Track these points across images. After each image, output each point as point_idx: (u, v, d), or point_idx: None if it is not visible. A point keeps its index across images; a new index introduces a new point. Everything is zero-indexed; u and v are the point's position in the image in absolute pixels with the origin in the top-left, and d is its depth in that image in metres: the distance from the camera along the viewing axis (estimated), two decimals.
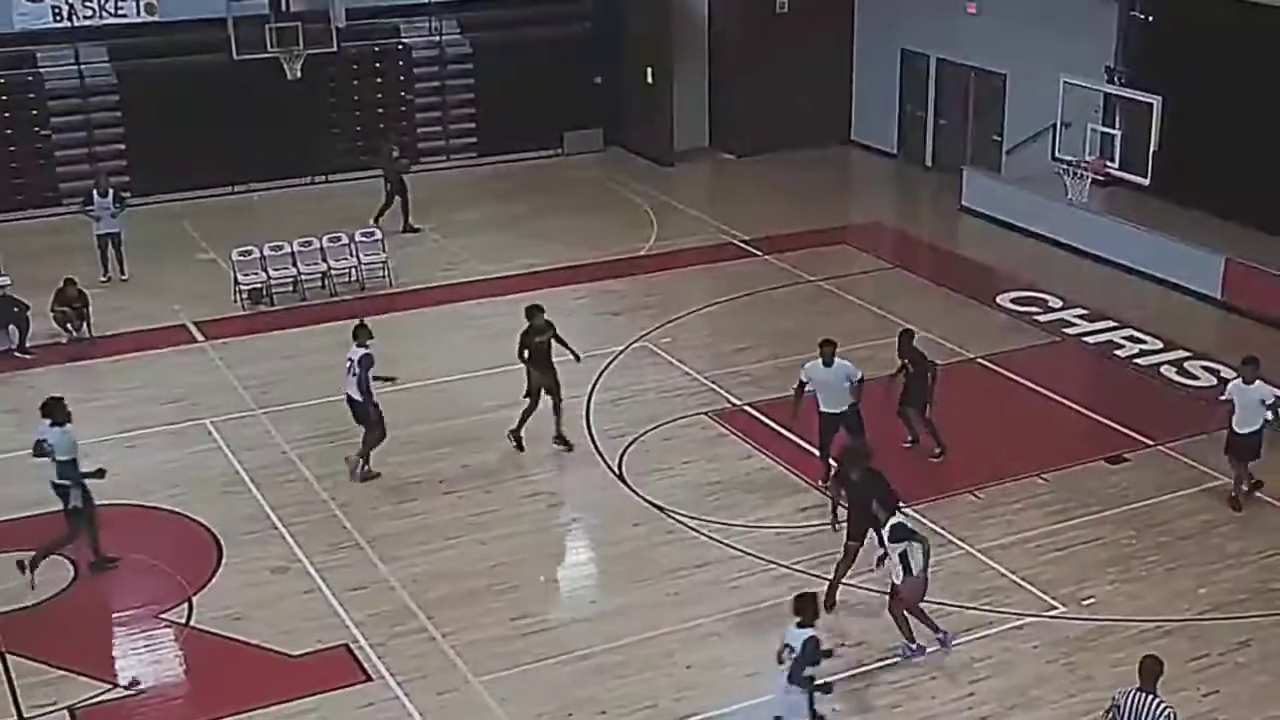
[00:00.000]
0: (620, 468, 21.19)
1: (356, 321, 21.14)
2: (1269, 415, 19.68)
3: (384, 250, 28.81)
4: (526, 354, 21.48)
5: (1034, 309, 26.99)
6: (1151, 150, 28.27)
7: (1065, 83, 29.90)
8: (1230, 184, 28.77)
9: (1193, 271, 27.45)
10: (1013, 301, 27.36)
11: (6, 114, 32.98)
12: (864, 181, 36.71)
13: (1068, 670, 16.43)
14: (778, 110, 36.51)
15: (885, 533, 16.32)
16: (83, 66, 33.38)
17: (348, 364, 20.55)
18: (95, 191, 28.67)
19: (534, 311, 21.55)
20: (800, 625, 14.49)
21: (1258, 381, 19.62)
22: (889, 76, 36.78)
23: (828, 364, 20.11)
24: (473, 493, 20.55)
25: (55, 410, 18.28)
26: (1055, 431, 22.24)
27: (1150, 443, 21.56)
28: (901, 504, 16.99)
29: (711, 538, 19.25)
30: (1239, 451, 19.83)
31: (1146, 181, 28.67)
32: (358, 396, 20.56)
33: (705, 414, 22.79)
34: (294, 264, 28.04)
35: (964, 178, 32.98)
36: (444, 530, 19.60)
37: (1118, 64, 30.70)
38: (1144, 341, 25.44)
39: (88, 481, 18.31)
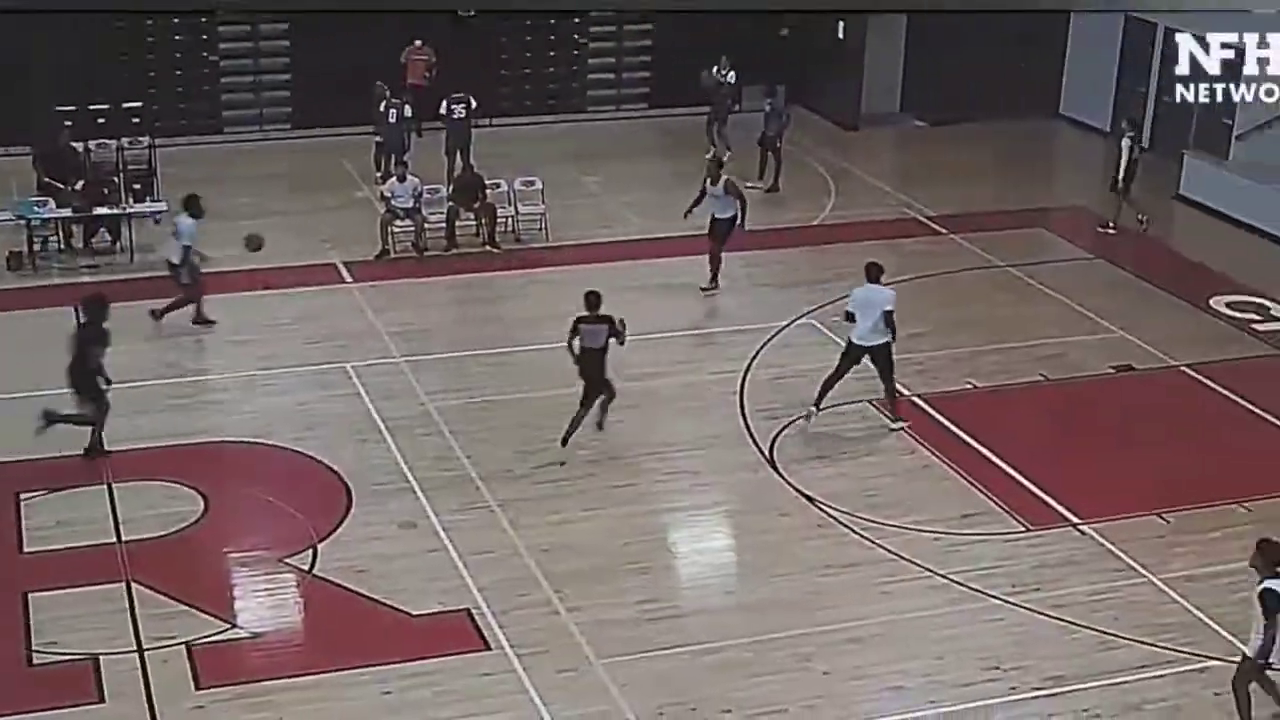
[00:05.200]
0: (772, 453, 21.05)
1: None
2: None
3: (543, 202, 28.96)
4: None
5: (1253, 316, 26.27)
6: None
7: None
8: None
9: None
10: (1229, 306, 26.67)
11: None
12: (1069, 160, 36.16)
13: None
14: (980, 76, 35.93)
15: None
16: None
17: None
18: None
19: None
20: None
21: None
22: (1108, 44, 36.15)
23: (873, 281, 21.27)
24: (613, 465, 20.60)
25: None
26: (1265, 455, 21.58)
27: None
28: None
29: (863, 537, 19.02)
30: None
31: None
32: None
33: (869, 402, 22.46)
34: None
35: (1184, 163, 32.31)
36: (579, 501, 19.71)
37: None
38: None
39: None
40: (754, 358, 23.79)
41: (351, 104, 32.47)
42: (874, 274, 21.34)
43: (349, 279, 26.59)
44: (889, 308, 21.06)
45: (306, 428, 21.33)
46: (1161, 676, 16.56)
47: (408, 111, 30.45)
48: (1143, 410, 22.56)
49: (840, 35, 36.38)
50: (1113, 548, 18.90)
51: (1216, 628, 17.42)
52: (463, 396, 22.40)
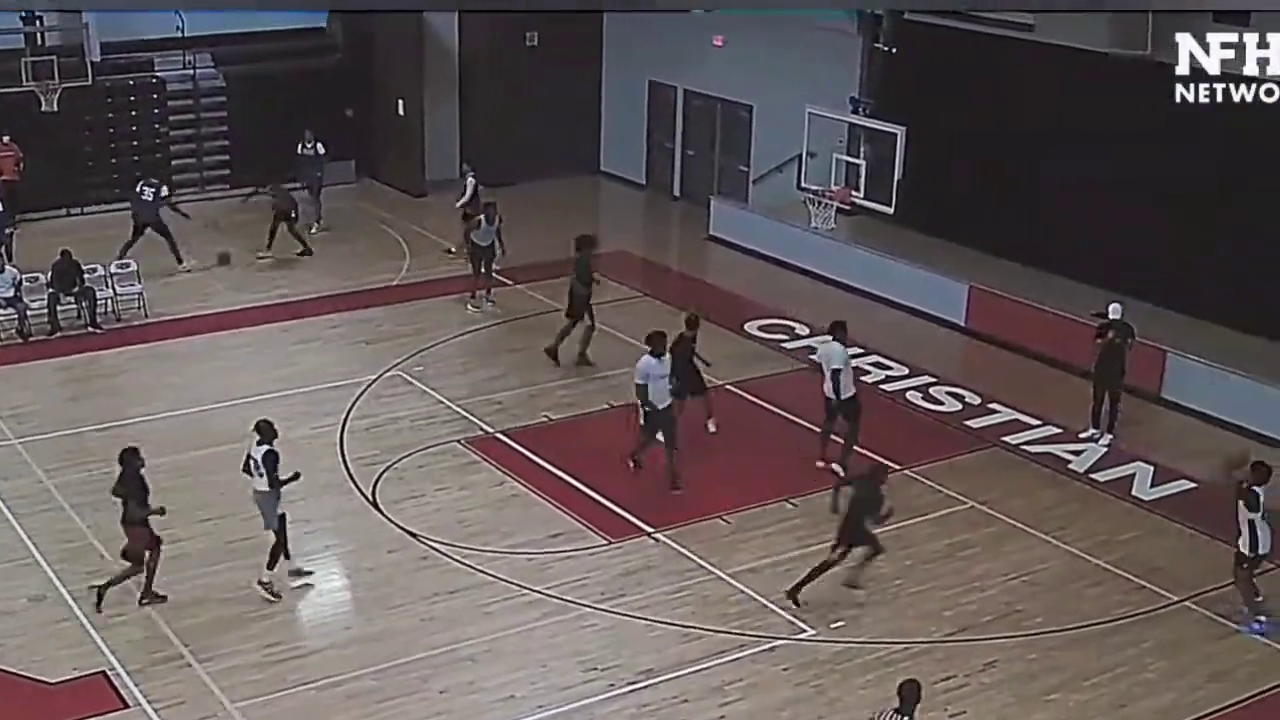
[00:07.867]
0: (374, 495, 20.84)
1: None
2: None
3: (139, 282, 28.06)
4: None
5: (781, 336, 27.18)
6: (896, 179, 28.70)
7: (810, 114, 30.28)
8: (972, 212, 29.38)
9: (937, 298, 27.91)
10: (760, 329, 27.51)
11: None
12: (612, 211, 36.69)
13: (818, 692, 16.50)
14: (527, 141, 36.35)
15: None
16: None
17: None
18: None
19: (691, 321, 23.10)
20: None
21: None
22: (637, 108, 36.94)
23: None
24: (230, 521, 19.99)
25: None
26: (803, 457, 22.28)
27: (896, 467, 21.71)
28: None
29: (464, 564, 19.02)
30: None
31: (891, 210, 29.12)
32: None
33: (458, 442, 22.50)
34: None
35: (711, 207, 33.18)
36: (200, 559, 19.15)
37: (862, 95, 31.15)
38: (890, 367, 25.76)
39: None
40: (349, 410, 23.49)
41: None
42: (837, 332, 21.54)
43: None
44: (836, 365, 21.25)
45: None
46: (737, 659, 17.03)
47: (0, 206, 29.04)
48: (697, 426, 23.03)
49: (401, 111, 36.27)
50: (684, 550, 19.35)
51: (779, 611, 18.00)
52: (81, 470, 21.42)
